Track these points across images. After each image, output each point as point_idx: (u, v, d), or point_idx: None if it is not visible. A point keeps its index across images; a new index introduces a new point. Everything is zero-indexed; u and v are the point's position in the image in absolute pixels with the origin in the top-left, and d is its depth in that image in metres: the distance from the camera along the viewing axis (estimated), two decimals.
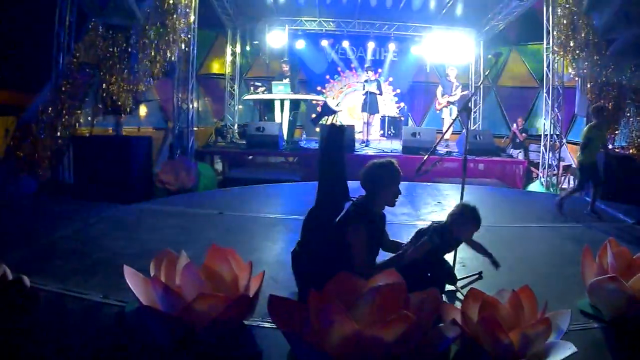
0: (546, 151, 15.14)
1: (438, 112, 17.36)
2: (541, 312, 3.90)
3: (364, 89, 17.47)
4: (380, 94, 17.63)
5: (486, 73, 20.75)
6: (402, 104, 22.37)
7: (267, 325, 4.36)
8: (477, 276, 5.77)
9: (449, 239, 5.09)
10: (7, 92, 13.85)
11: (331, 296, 3.62)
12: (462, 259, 6.00)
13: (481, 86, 19.75)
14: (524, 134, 18.87)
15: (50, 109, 10.73)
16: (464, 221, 5.14)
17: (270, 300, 3.76)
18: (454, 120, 8.97)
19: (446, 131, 10.83)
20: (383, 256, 5.07)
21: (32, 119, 10.64)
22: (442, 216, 9.05)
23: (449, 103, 16.47)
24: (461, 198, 5.66)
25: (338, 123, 19.18)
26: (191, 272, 4.17)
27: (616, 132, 12.74)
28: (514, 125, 19.67)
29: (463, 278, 5.63)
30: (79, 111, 11.26)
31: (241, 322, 4.31)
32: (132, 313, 4.51)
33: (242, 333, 4.28)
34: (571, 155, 16.61)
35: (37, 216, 8.77)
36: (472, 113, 21.12)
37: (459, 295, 5.24)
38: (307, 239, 5.09)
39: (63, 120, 10.84)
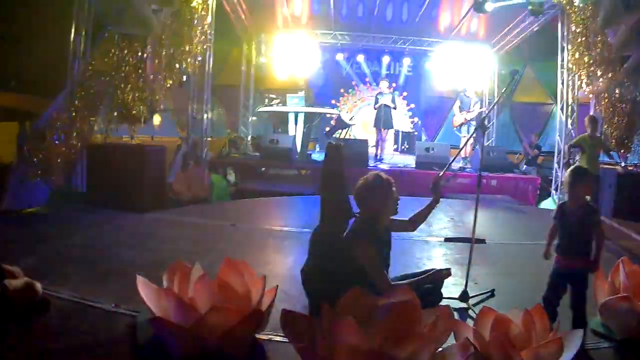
0: (559, 168, 15.07)
1: (456, 129, 17.23)
2: (553, 331, 3.88)
3: (376, 103, 17.00)
4: (395, 107, 17.30)
5: (502, 91, 20.64)
6: (416, 119, 22.38)
7: (278, 339, 4.36)
8: (489, 294, 5.75)
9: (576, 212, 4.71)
10: (22, 97, 13.93)
11: (344, 312, 3.62)
12: (474, 277, 5.97)
13: (496, 102, 19.72)
14: (535, 150, 18.83)
15: (64, 115, 10.77)
16: (575, 182, 4.71)
17: (282, 314, 3.76)
18: (470, 137, 9.00)
19: (461, 149, 10.78)
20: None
21: (46, 125, 10.67)
22: (454, 232, 9.11)
23: (467, 120, 16.36)
24: (475, 214, 5.63)
25: (351, 137, 19.22)
26: (205, 285, 4.18)
27: (629, 149, 12.69)
28: (524, 141, 19.72)
29: (475, 296, 5.60)
30: (93, 118, 11.28)
31: (253, 336, 4.30)
32: (143, 323, 4.51)
33: (253, 346, 4.27)
34: None
35: (50, 223, 8.80)
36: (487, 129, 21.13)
37: (471, 313, 5.22)
38: (314, 257, 5.10)
39: (77, 127, 10.87)
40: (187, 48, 12.76)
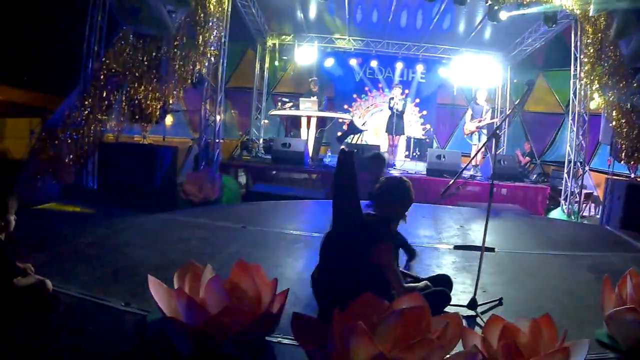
0: (569, 178, 15.03)
1: (467, 136, 17.26)
2: (560, 340, 3.89)
3: (390, 108, 17.21)
4: (403, 112, 17.35)
5: (516, 101, 20.61)
6: (428, 126, 22.38)
7: (287, 342, 4.37)
8: (497, 302, 5.76)
9: None
10: (34, 93, 13.97)
11: (354, 316, 3.63)
12: (483, 285, 5.97)
13: (510, 113, 19.63)
14: (527, 158, 19.00)
15: (76, 113, 10.79)
16: None
17: (293, 317, 3.79)
18: (483, 145, 8.99)
19: (473, 157, 10.72)
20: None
21: (58, 122, 10.69)
22: (463, 239, 9.10)
23: (478, 128, 16.38)
24: (486, 223, 5.63)
25: (363, 142, 19.23)
26: (217, 286, 4.20)
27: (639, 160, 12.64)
28: (517, 149, 19.80)
29: (484, 304, 5.60)
30: (105, 117, 11.30)
31: (263, 338, 4.32)
32: (153, 323, 4.54)
33: (263, 348, 4.29)
34: (593, 183, 16.54)
35: (60, 220, 8.83)
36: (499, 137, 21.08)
37: (479, 320, 5.23)
38: (325, 261, 5.11)
39: (89, 125, 10.90)
40: (200, 49, 12.77)
